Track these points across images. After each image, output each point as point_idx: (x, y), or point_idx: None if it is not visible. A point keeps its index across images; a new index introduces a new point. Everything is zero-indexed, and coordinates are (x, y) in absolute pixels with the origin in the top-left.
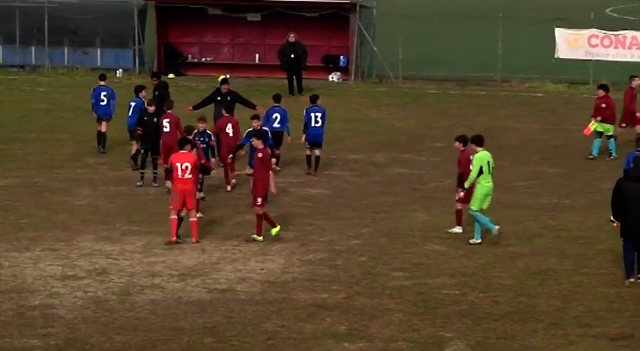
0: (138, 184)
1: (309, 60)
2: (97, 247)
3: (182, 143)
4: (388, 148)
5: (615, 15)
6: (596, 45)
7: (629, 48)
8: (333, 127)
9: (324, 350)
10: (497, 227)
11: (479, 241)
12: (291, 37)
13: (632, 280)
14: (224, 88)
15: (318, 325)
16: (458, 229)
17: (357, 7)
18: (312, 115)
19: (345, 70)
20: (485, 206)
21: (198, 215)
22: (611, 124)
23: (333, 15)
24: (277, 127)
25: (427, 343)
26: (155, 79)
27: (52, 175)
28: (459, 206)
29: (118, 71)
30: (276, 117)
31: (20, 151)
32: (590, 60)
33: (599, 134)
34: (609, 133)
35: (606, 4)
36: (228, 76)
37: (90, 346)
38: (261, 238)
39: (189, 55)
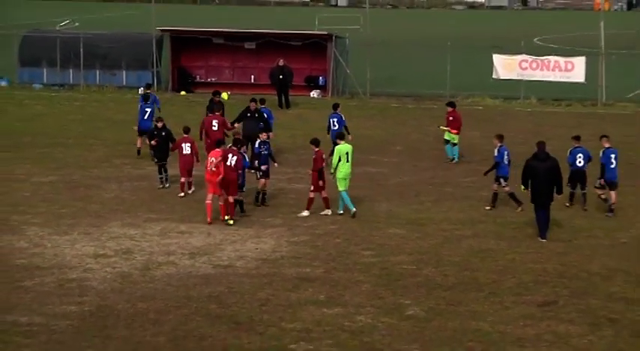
0: (159, 186)
1: (295, 80)
2: (122, 232)
3: (219, 143)
4: (358, 151)
5: (541, 43)
6: (526, 68)
7: (553, 70)
8: (312, 135)
9: (306, 314)
10: (354, 210)
11: (341, 212)
12: (280, 62)
13: (543, 239)
14: (252, 105)
15: (302, 294)
16: (304, 212)
17: (333, 38)
18: (331, 120)
19: (323, 88)
20: (346, 187)
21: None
22: (456, 134)
23: (314, 44)
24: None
25: (390, 308)
26: (218, 97)
27: (86, 173)
28: (312, 195)
29: (140, 89)
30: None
31: (60, 154)
32: (521, 80)
33: (448, 141)
34: (454, 141)
35: (534, 34)
36: (229, 92)
37: (117, 312)
38: (232, 221)
39: (198, 76)
